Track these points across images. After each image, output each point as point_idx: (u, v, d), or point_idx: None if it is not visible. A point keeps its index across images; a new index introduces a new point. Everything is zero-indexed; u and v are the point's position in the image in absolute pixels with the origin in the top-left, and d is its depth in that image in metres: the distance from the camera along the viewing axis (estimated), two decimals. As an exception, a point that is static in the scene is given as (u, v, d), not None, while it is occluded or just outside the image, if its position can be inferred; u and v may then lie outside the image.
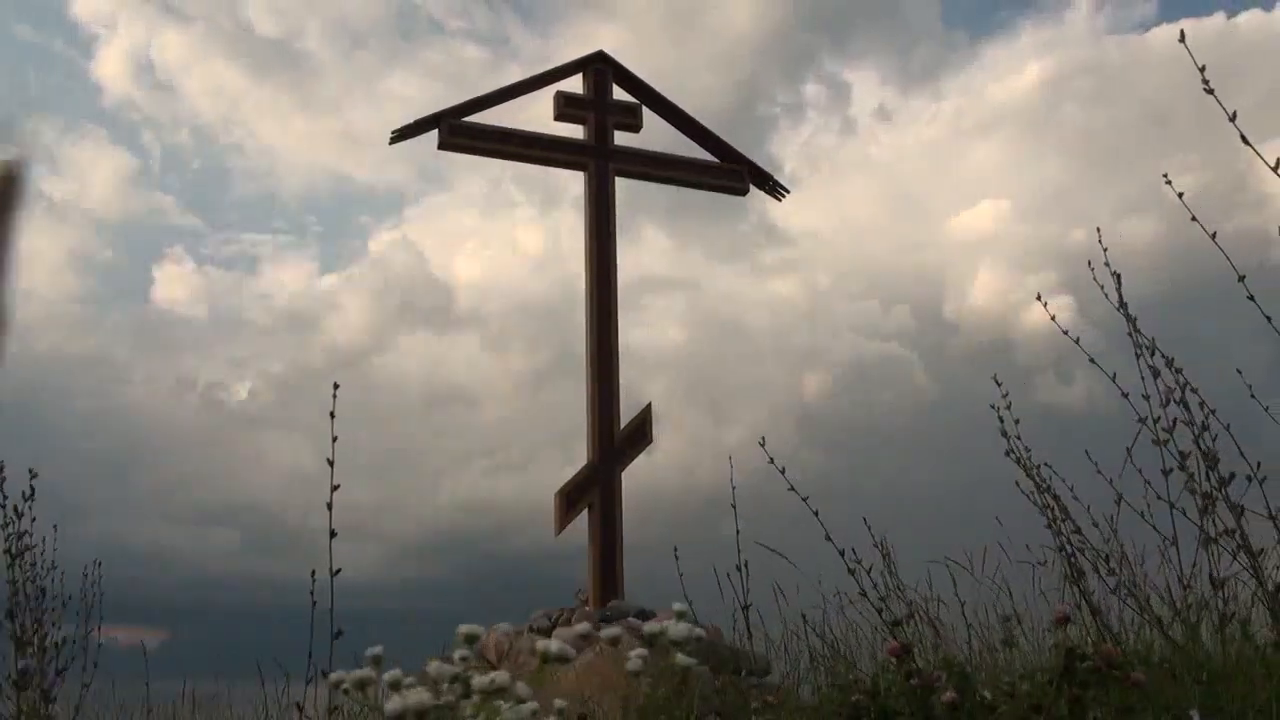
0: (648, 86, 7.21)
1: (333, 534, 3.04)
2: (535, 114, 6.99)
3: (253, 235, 21.70)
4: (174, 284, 20.56)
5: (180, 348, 19.85)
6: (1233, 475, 3.49)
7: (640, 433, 6.53)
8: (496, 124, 6.79)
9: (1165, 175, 3.76)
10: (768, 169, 7.41)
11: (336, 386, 3.21)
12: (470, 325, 17.78)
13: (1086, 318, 6.07)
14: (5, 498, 4.23)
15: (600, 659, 4.85)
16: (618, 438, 6.45)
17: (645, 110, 7.18)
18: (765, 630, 5.58)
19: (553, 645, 1.52)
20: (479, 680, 1.34)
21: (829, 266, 19.39)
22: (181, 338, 20.06)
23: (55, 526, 4.39)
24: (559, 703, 1.65)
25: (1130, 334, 3.85)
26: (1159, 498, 3.66)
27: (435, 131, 6.64)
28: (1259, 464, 3.48)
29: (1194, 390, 3.65)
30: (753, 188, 7.34)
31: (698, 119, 7.28)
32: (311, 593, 3.08)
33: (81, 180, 21.13)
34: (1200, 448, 3.57)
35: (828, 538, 4.02)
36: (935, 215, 20.85)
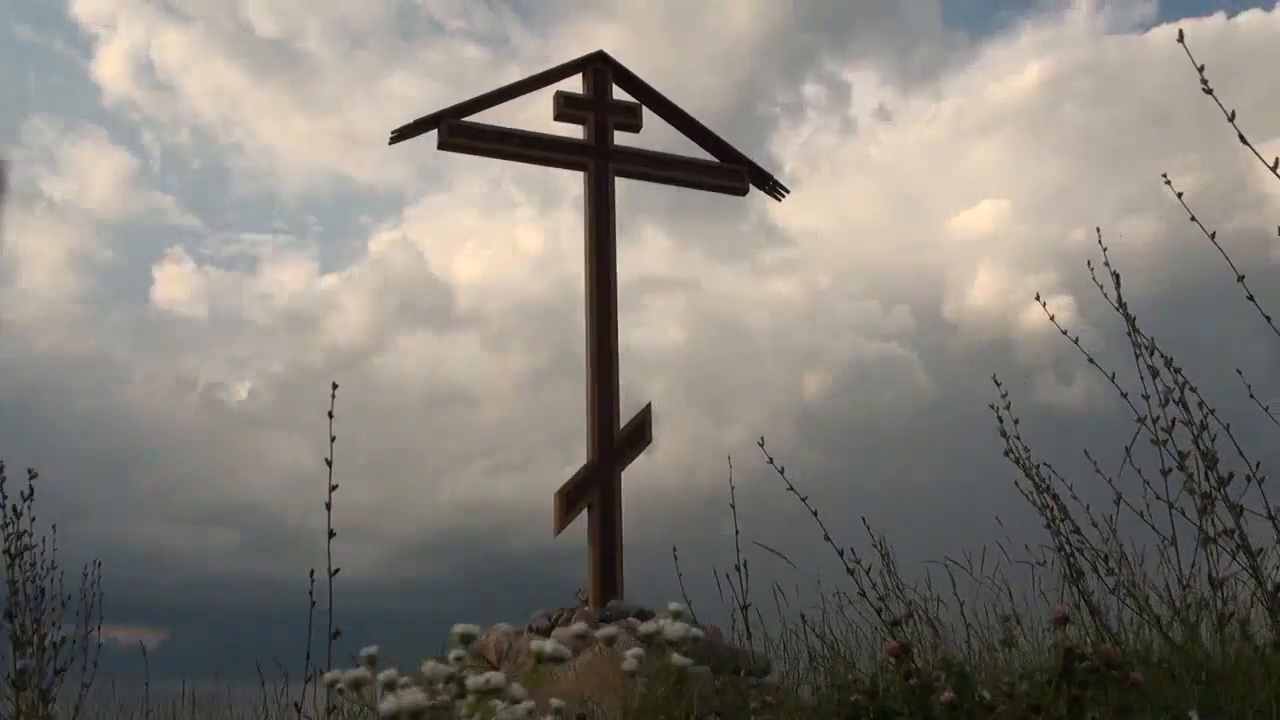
0: (647, 86, 7.21)
1: (331, 534, 3.03)
2: (535, 114, 7.00)
3: (253, 235, 21.75)
4: (174, 284, 20.61)
5: (180, 348, 19.89)
6: (1231, 475, 3.49)
7: (640, 433, 6.53)
8: (496, 124, 6.79)
9: (1164, 175, 3.76)
10: (768, 169, 7.41)
11: (335, 386, 3.21)
12: (470, 325, 17.80)
13: (1086, 318, 6.07)
14: (5, 498, 4.23)
15: (600, 659, 4.85)
16: (617, 438, 6.45)
17: (645, 110, 7.17)
18: (764, 630, 5.58)
19: (546, 646, 1.51)
20: (474, 680, 1.34)
21: (829, 266, 19.41)
22: (181, 338, 20.09)
23: (54, 526, 4.39)
24: (556, 702, 1.64)
25: (1129, 334, 3.85)
26: (1158, 498, 3.66)
27: (435, 131, 6.64)
28: (1258, 464, 3.48)
29: (1193, 390, 3.65)
30: (752, 188, 7.34)
31: (698, 119, 7.28)
32: (310, 592, 3.08)
33: (81, 180, 21.17)
34: (1199, 448, 3.57)
35: (826, 538, 4.02)
36: (935, 215, 20.87)
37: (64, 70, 21.36)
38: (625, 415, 6.52)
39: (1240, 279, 3.62)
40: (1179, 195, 3.67)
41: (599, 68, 7.07)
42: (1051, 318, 4.08)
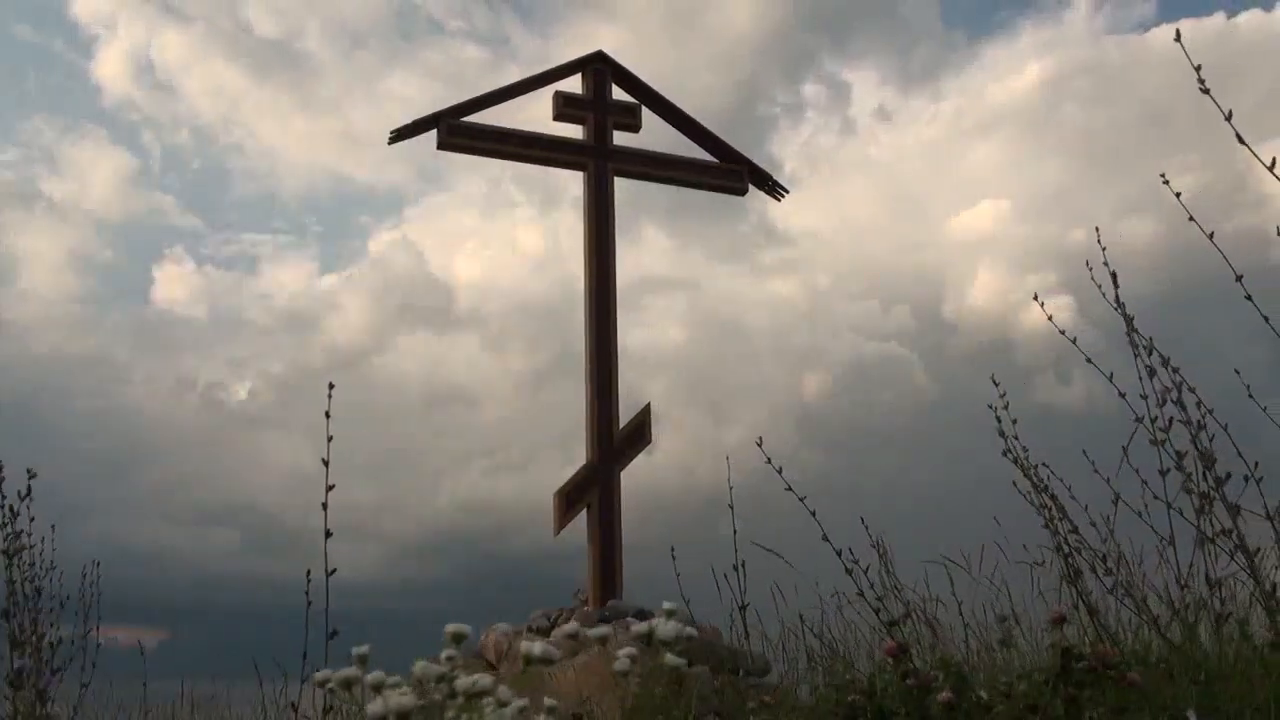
0: (647, 86, 7.21)
1: (328, 534, 3.04)
2: (534, 114, 7.01)
3: (253, 235, 21.75)
4: (174, 284, 20.61)
5: (180, 348, 19.90)
6: (1229, 475, 3.48)
7: (639, 433, 6.52)
8: (495, 124, 6.79)
9: (1163, 175, 3.76)
10: (767, 169, 7.41)
11: (331, 387, 3.22)
12: (470, 325, 17.80)
13: (1086, 318, 6.07)
14: (3, 498, 4.23)
15: (598, 659, 4.85)
16: (617, 438, 6.44)
17: (645, 110, 7.17)
18: (763, 630, 5.58)
19: (535, 648, 1.51)
20: (462, 682, 1.33)
21: (829, 266, 19.41)
22: (181, 338, 20.10)
23: (53, 526, 4.39)
24: (549, 701, 1.64)
25: (1128, 333, 3.84)
26: (1156, 498, 3.65)
27: (434, 132, 6.64)
28: (1256, 464, 3.48)
29: (1191, 390, 3.64)
30: (752, 188, 7.34)
31: (697, 119, 7.28)
32: (306, 592, 3.08)
33: (81, 180, 21.19)
34: (1197, 447, 3.56)
35: (825, 537, 4.01)
36: (935, 215, 20.86)
37: (64, 70, 21.39)
38: (625, 415, 6.52)
39: (1238, 279, 3.62)
40: (1177, 195, 3.67)
41: (598, 68, 7.07)
42: (1049, 318, 4.08)
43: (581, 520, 6.32)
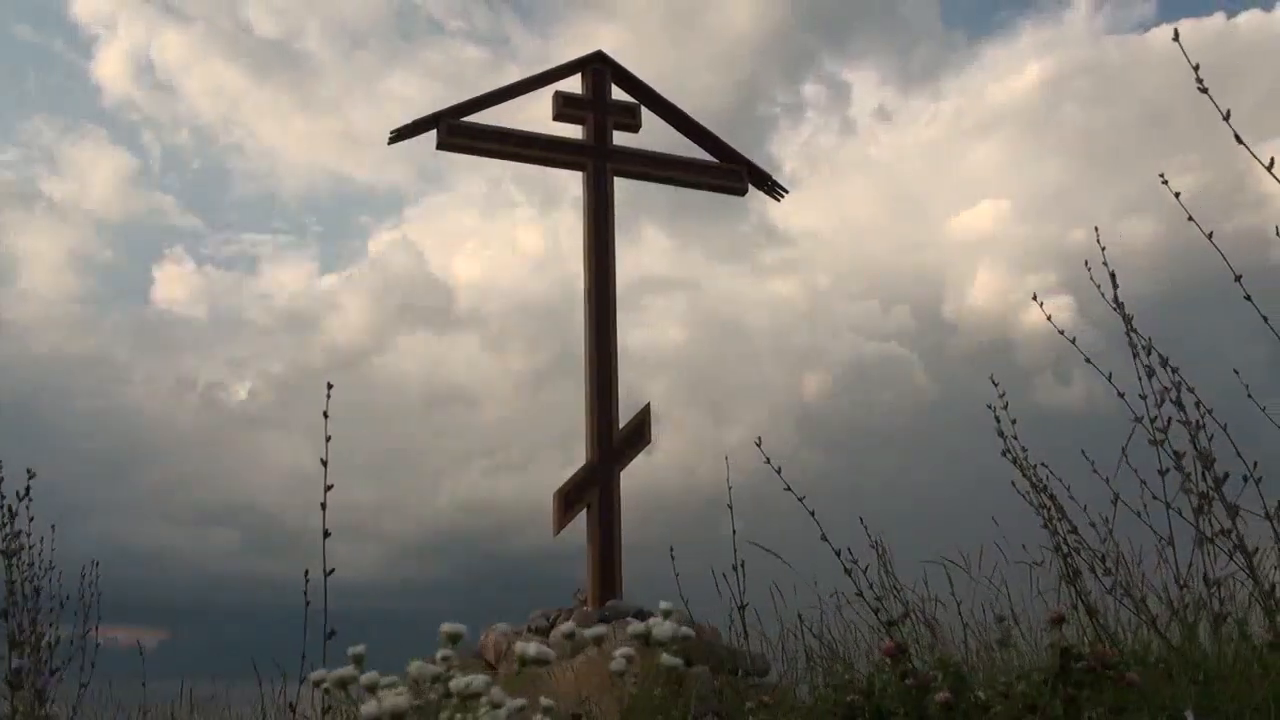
0: (646, 86, 7.21)
1: (326, 534, 3.04)
2: (534, 114, 7.01)
3: (253, 235, 21.75)
4: (174, 284, 20.61)
5: (180, 348, 19.90)
6: (1227, 475, 3.48)
7: (639, 433, 6.53)
8: (495, 124, 6.80)
9: (1162, 175, 3.75)
10: (767, 169, 7.42)
11: (330, 387, 3.22)
12: (470, 325, 17.80)
13: (1086, 318, 6.07)
14: (3, 498, 4.23)
15: (597, 659, 4.85)
16: (616, 438, 6.45)
17: (644, 110, 7.18)
18: (763, 630, 5.58)
19: (530, 648, 1.51)
20: (456, 683, 1.33)
21: (829, 266, 19.41)
22: (181, 338, 20.11)
23: (53, 526, 4.39)
24: (546, 701, 1.64)
25: (1127, 333, 3.84)
26: (1155, 498, 3.65)
27: (434, 132, 6.65)
28: (1255, 464, 3.47)
29: (1190, 390, 3.64)
30: (751, 188, 7.34)
31: (697, 119, 7.28)
32: (305, 592, 3.08)
33: (81, 180, 21.19)
34: (1196, 447, 3.56)
35: (824, 537, 4.01)
36: (935, 215, 20.86)
37: (64, 70, 21.39)
38: (625, 415, 6.53)
39: (1238, 279, 3.62)
40: (1177, 195, 3.67)
41: (598, 68, 7.07)
42: (1049, 318, 4.08)
43: (581, 520, 6.32)
